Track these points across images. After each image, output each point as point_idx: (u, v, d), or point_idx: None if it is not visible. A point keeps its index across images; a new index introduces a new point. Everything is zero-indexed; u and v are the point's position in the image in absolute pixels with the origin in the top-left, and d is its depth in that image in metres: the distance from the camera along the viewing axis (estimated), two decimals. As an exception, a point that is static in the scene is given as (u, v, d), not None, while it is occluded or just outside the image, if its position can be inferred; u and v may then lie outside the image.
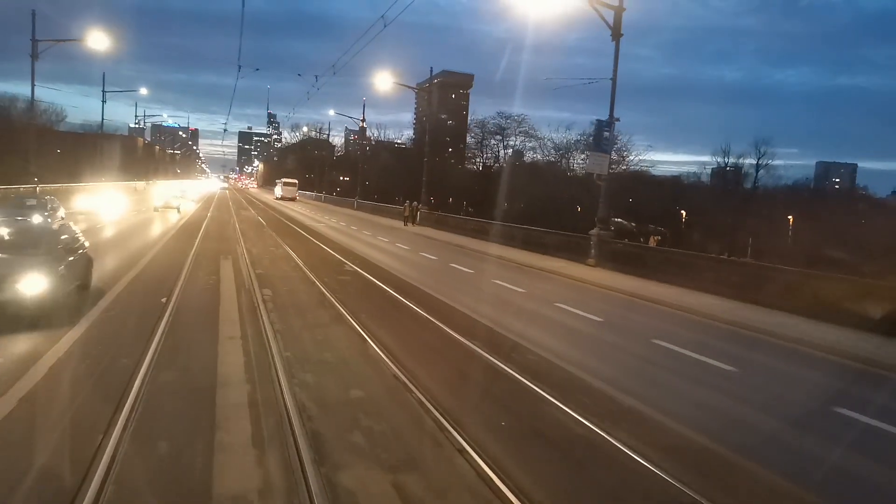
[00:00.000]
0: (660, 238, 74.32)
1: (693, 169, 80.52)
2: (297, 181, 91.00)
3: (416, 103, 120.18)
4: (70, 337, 8.65)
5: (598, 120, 23.39)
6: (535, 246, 27.68)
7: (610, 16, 22.48)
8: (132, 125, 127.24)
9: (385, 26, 25.93)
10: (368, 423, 6.21)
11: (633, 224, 79.81)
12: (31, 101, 37.65)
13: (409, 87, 46.02)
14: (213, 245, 22.08)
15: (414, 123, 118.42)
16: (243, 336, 9.34)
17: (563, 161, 79.88)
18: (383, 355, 8.70)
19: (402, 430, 6.17)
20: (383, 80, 43.35)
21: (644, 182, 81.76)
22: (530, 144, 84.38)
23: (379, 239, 31.34)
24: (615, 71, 22.99)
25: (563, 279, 20.28)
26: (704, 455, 6.19)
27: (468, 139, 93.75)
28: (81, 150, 67.99)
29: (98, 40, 36.46)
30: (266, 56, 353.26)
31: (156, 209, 39.43)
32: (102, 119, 59.12)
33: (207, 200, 62.75)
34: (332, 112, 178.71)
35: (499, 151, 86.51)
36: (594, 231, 23.23)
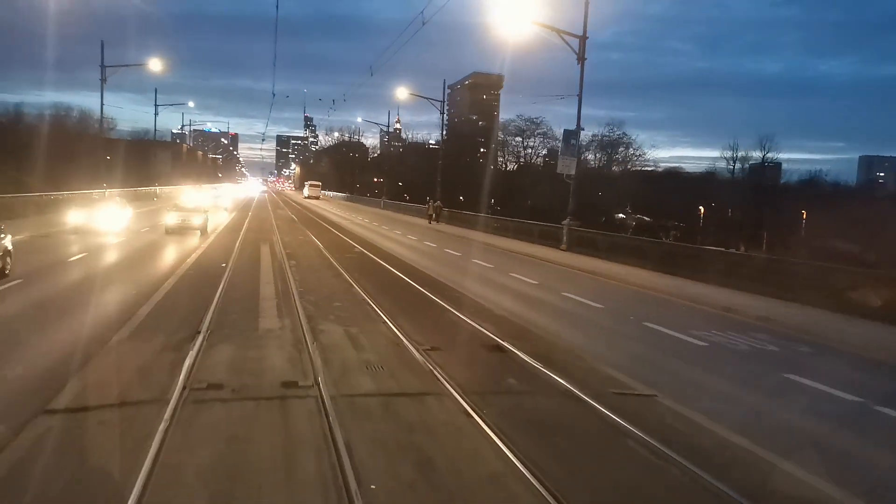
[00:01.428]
0: (676, 233, 78.43)
1: (722, 164, 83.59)
2: (320, 183, 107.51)
3: (447, 105, 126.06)
4: (173, 279, 14.09)
5: (565, 129, 28.39)
6: (525, 235, 32.96)
7: (575, 43, 27.35)
8: (175, 131, 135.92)
9: (371, 74, 31.44)
10: (339, 313, 11.47)
11: (649, 219, 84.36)
12: (101, 118, 44.35)
13: (428, 98, 51.13)
14: (254, 236, 27.69)
15: (446, 124, 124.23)
16: (275, 282, 14.74)
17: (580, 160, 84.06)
18: (361, 292, 13.91)
19: (356, 316, 11.39)
20: (402, 92, 48.89)
21: (674, 179, 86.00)
22: (550, 145, 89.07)
23: (394, 232, 36.68)
24: (581, 87, 27.93)
25: (533, 259, 25.24)
26: (511, 323, 11.18)
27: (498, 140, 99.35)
28: (131, 156, 74.94)
29: (156, 64, 43.01)
30: (301, 59, 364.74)
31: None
32: (155, 130, 66.57)
33: (245, 207, 56.39)
34: (359, 119, 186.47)
35: (520, 152, 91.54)
36: (566, 221, 28.17)
